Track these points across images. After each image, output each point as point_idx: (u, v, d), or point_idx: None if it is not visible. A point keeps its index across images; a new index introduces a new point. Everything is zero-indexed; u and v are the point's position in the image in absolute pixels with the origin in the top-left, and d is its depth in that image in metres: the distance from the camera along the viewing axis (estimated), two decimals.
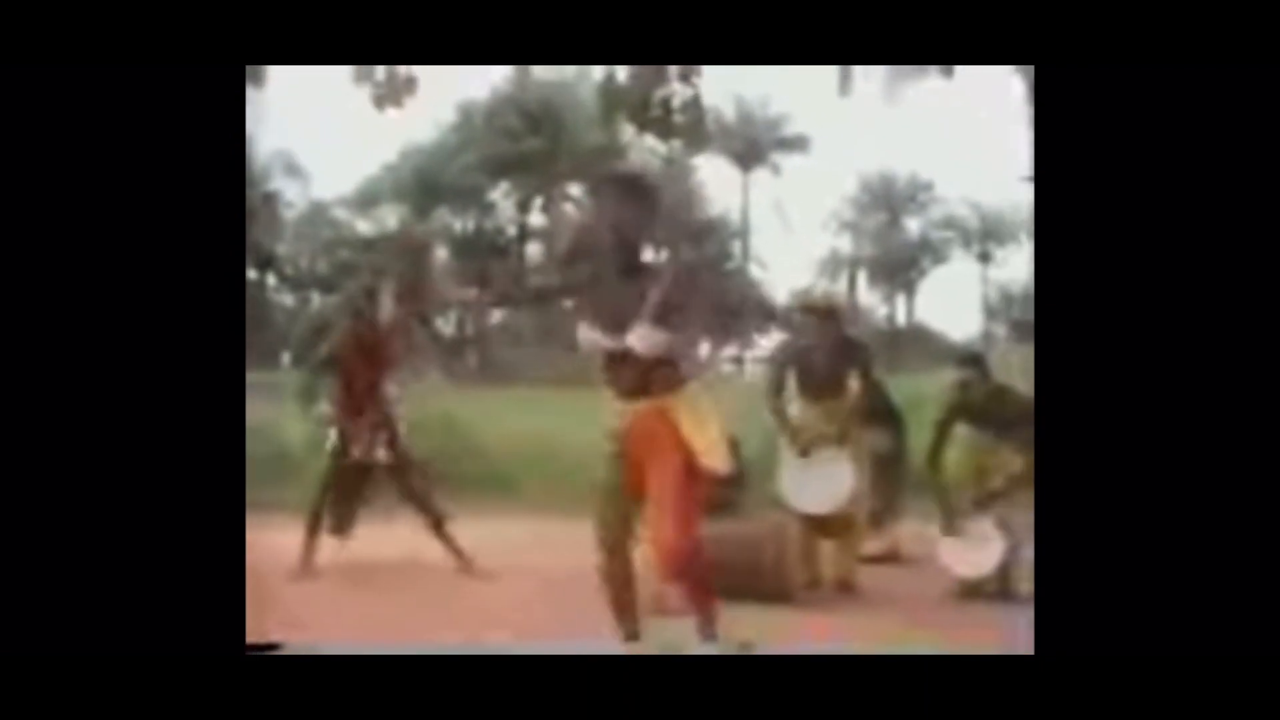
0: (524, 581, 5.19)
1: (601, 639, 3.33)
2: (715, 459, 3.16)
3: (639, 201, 3.23)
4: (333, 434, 5.56)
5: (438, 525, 5.54)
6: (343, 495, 5.57)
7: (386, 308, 5.76)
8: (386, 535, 5.83)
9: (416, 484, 5.64)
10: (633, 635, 3.31)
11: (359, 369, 5.53)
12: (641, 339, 3.05)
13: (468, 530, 5.71)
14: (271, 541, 6.01)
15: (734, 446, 5.41)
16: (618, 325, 3.11)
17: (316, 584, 5.17)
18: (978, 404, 4.96)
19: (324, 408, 5.64)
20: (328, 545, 5.48)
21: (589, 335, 3.17)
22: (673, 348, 3.11)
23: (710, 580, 3.31)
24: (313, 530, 5.46)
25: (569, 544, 5.30)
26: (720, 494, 5.12)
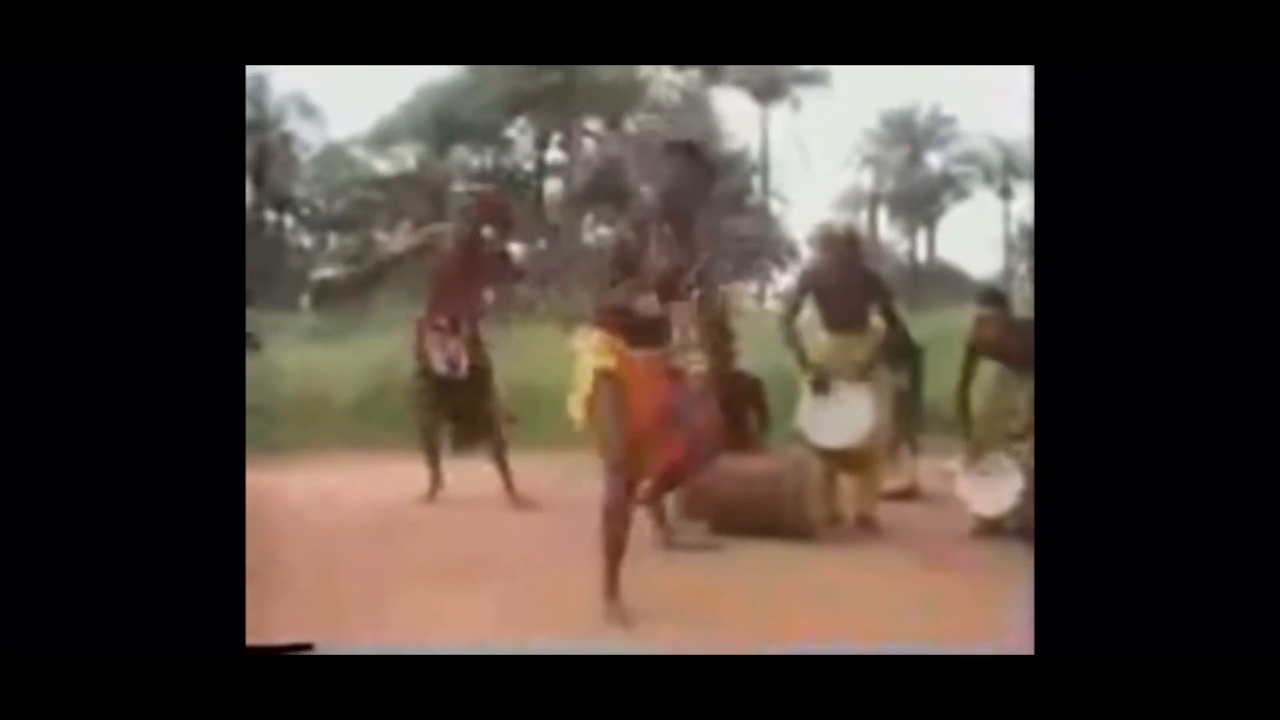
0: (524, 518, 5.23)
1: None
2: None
3: (698, 171, 3.39)
4: (425, 351, 5.48)
5: (501, 451, 5.56)
6: (450, 412, 5.55)
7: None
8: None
9: (493, 405, 5.60)
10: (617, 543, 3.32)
11: (457, 280, 5.43)
12: (687, 309, 3.33)
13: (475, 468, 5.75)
14: (294, 481, 6.10)
15: (758, 385, 5.45)
16: (670, 292, 3.29)
17: (341, 525, 5.21)
18: (999, 340, 4.93)
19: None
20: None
21: (648, 301, 3.27)
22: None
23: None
24: (433, 452, 5.54)
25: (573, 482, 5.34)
26: (746, 428, 5.16)
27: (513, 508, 5.42)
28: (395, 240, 5.29)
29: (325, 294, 6.47)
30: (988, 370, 5.08)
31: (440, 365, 5.41)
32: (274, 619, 2.87)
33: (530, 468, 5.75)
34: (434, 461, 5.61)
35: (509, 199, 5.80)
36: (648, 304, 3.25)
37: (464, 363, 5.42)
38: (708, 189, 3.42)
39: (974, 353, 5.04)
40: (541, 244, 27.27)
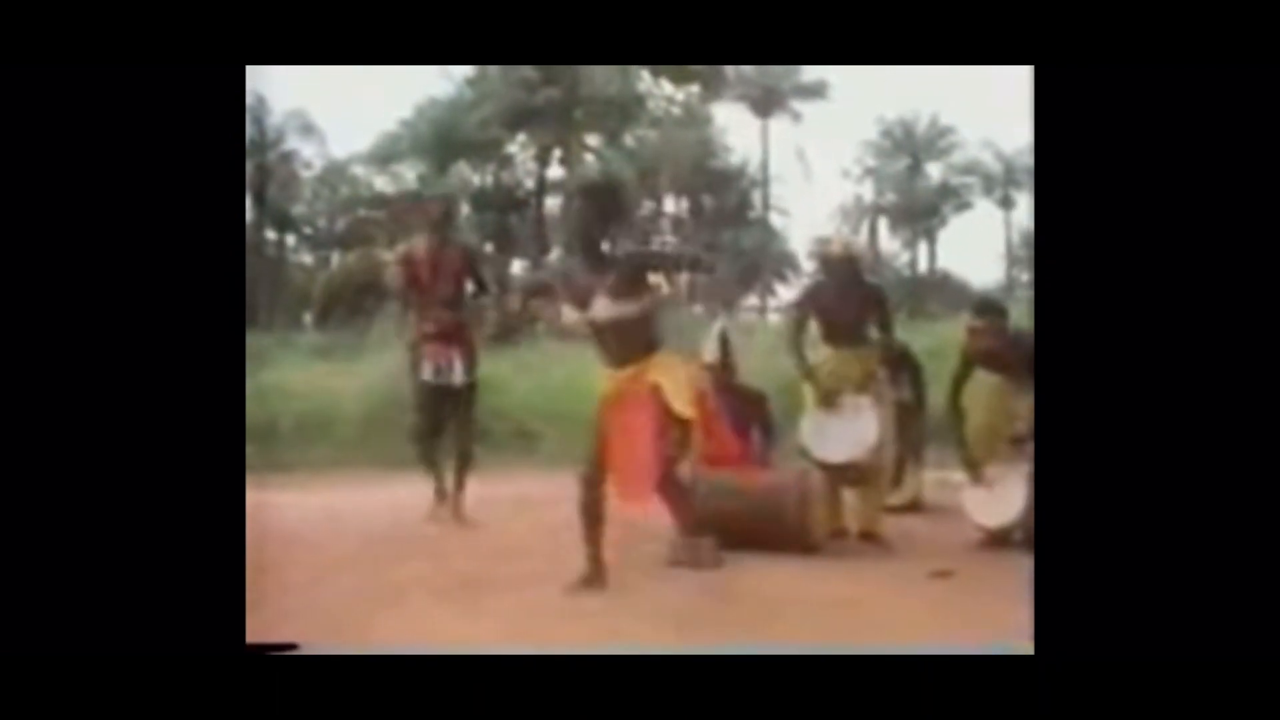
0: (530, 534, 5.20)
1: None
2: (682, 404, 3.77)
3: (604, 206, 3.97)
4: (417, 361, 5.47)
5: (465, 465, 5.55)
6: (437, 422, 5.52)
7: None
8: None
9: (471, 418, 5.60)
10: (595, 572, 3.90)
11: (433, 290, 5.43)
12: (603, 309, 3.74)
13: (486, 484, 5.73)
14: (297, 499, 6.09)
15: (762, 400, 5.43)
16: (585, 304, 3.80)
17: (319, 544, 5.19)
18: (995, 350, 4.90)
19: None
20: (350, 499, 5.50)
21: (570, 315, 3.86)
22: (630, 314, 3.74)
23: (686, 504, 3.96)
24: (432, 464, 5.50)
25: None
26: (750, 443, 5.14)
27: (456, 524, 5.38)
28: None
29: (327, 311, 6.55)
30: (987, 381, 5.06)
31: (428, 374, 5.39)
32: (274, 637, 2.86)
33: (530, 483, 5.72)
34: (436, 473, 5.54)
35: (444, 204, 6.02)
36: (569, 319, 3.85)
37: (459, 369, 5.42)
38: (610, 220, 3.95)
39: (967, 362, 5.02)
40: (543, 260, 27.27)
